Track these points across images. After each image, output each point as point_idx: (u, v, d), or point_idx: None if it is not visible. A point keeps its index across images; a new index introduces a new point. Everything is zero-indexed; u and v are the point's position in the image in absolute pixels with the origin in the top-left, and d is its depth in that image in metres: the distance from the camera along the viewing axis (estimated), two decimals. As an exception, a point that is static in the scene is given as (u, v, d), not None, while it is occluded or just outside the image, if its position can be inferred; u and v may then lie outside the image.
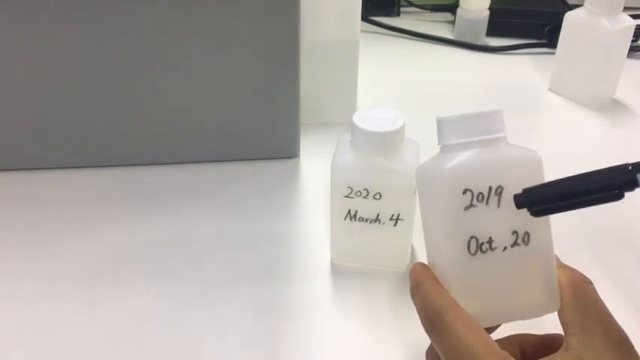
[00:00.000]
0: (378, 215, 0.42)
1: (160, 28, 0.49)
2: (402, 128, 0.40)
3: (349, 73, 0.62)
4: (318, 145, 0.59)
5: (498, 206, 0.30)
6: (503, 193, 0.30)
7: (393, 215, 0.42)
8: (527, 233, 0.31)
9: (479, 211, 0.30)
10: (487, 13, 0.83)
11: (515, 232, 0.31)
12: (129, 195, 0.54)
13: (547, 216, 0.31)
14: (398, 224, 0.42)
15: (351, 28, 0.59)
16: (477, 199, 0.30)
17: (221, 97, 0.54)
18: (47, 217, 0.51)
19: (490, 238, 0.30)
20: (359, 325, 0.42)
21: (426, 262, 0.35)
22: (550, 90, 0.72)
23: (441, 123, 0.32)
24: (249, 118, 0.55)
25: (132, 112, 0.54)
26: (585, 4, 0.65)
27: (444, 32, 0.88)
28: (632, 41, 0.68)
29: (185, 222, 0.51)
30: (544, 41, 0.83)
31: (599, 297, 0.31)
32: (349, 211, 0.43)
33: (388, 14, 0.93)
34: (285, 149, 0.58)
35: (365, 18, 0.88)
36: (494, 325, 0.33)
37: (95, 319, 0.42)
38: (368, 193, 0.41)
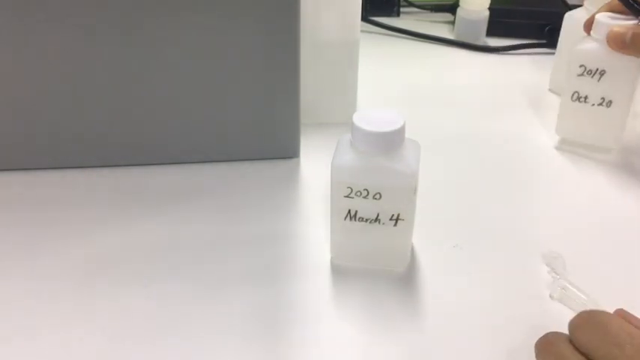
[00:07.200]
0: (377, 215, 0.42)
1: (160, 29, 0.49)
2: (402, 128, 0.40)
3: (349, 73, 0.62)
4: (318, 145, 0.59)
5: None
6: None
7: (393, 215, 0.42)
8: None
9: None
10: (487, 13, 0.83)
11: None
12: (129, 195, 0.54)
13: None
14: (398, 224, 0.42)
15: (351, 28, 0.59)
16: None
17: (221, 97, 0.54)
18: (47, 217, 0.51)
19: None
20: (359, 325, 0.42)
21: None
22: (550, 90, 0.72)
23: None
24: (249, 118, 0.55)
25: (132, 113, 0.54)
26: (585, 4, 0.65)
27: (444, 32, 0.88)
28: (632, 41, 0.68)
29: (185, 222, 0.51)
30: (544, 41, 0.83)
31: None
32: (349, 211, 0.43)
33: (388, 14, 0.93)
34: (285, 149, 0.58)
35: (365, 18, 0.89)
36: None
37: (95, 319, 0.42)
38: (368, 193, 0.41)
